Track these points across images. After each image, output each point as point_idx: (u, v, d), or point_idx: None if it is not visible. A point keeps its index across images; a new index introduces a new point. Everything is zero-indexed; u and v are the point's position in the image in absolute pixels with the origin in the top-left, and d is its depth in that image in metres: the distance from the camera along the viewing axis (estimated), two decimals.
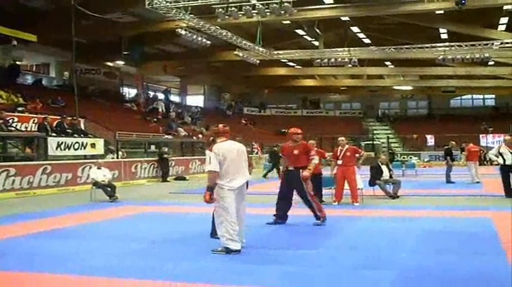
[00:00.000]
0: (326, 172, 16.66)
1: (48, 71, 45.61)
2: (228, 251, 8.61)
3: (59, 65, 45.14)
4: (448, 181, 24.51)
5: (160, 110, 48.55)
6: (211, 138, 9.40)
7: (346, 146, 16.54)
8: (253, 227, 10.52)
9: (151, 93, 55.61)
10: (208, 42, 35.43)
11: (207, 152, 8.88)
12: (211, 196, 8.67)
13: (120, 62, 46.38)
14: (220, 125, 9.30)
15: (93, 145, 26.32)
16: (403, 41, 40.67)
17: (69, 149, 24.71)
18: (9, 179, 20.18)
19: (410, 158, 47.05)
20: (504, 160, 17.06)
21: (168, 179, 29.11)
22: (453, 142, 26.98)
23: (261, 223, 11.80)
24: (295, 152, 11.90)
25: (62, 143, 24.38)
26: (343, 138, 17.13)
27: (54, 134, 25.01)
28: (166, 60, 49.68)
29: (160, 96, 55.53)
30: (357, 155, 16.58)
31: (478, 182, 23.47)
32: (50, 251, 9.15)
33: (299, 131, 12.24)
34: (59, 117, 27.43)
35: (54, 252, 9.04)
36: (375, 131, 62.44)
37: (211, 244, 9.20)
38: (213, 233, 9.68)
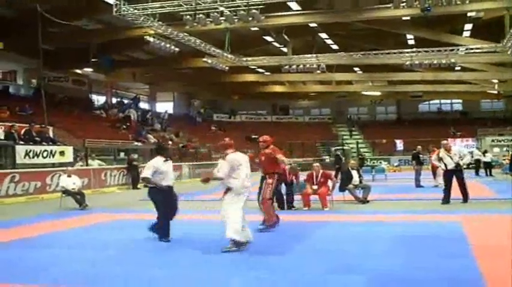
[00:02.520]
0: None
1: (16, 79, 45.14)
2: (237, 244, 9.50)
3: (27, 73, 44.70)
4: (418, 185, 24.76)
5: (132, 117, 48.32)
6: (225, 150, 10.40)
7: (321, 171, 16.80)
8: (218, 233, 10.54)
9: (125, 101, 55.30)
10: (177, 49, 35.38)
11: (221, 161, 10.19)
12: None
13: (89, 69, 46.10)
14: (227, 139, 10.76)
15: (62, 153, 26.09)
16: (371, 47, 41.04)
17: (37, 157, 24.47)
18: None
19: (380, 163, 47.40)
20: (445, 165, 17.20)
21: (138, 186, 28.94)
22: (420, 147, 27.28)
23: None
24: (262, 158, 12.77)
25: (30, 151, 24.15)
26: (317, 164, 17.49)
27: (22, 142, 24.75)
28: (135, 67, 49.50)
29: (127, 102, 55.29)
30: (330, 181, 16.78)
31: (436, 186, 23.75)
32: (22, 261, 9.07)
33: (265, 138, 13.34)
34: (26, 125, 27.13)
35: (26, 262, 8.97)
36: (345, 137, 62.76)
37: (179, 250, 9.22)
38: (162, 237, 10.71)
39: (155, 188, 10.87)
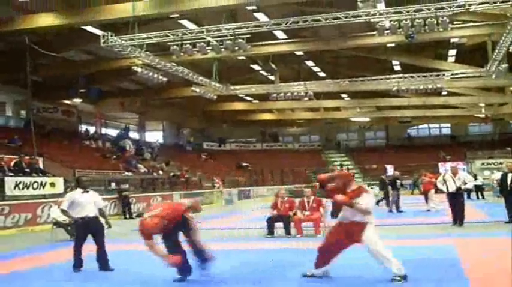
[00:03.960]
0: None
1: (5, 110, 45.07)
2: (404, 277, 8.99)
3: (16, 104, 44.65)
4: (398, 210, 24.86)
5: (128, 148, 48.22)
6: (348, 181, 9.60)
7: (312, 197, 16.82)
8: (218, 263, 10.53)
9: (117, 132, 55.28)
10: (165, 79, 35.54)
11: (365, 194, 9.18)
12: None
13: (78, 100, 46.11)
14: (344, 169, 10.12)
15: (52, 184, 26.01)
16: (357, 74, 41.35)
17: (27, 188, 24.40)
18: None
19: (372, 188, 47.34)
20: (447, 187, 17.40)
21: (132, 216, 28.78)
22: (397, 172, 27.57)
23: (217, 258, 11.82)
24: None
25: (20, 182, 24.08)
26: (308, 189, 17.45)
27: (11, 174, 24.69)
28: (124, 97, 49.60)
29: (113, 132, 55.30)
30: (321, 207, 16.79)
31: (428, 210, 23.97)
32: None
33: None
34: (16, 156, 27.10)
35: None
36: (335, 163, 62.80)
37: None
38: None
39: (76, 220, 11.19)
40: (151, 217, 8.94)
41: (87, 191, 11.34)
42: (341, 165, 58.39)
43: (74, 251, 10.91)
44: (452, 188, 17.31)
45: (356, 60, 42.31)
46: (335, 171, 9.09)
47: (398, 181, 26.18)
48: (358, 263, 9.72)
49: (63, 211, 11.35)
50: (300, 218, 16.37)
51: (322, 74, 46.16)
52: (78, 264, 10.92)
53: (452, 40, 35.93)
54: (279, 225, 16.68)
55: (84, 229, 10.99)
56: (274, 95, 40.81)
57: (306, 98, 41.88)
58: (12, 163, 26.16)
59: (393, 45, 36.27)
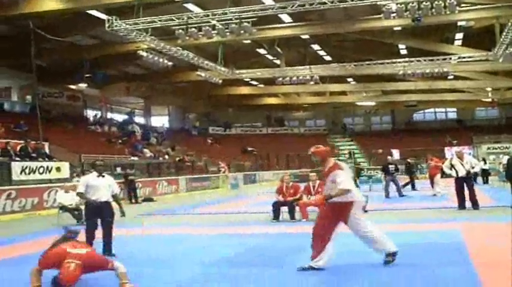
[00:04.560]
0: None
1: (10, 95, 45.09)
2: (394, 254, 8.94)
3: (21, 89, 44.66)
4: (386, 196, 24.73)
5: (136, 133, 48.34)
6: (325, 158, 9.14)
7: (318, 182, 16.71)
8: (218, 247, 10.58)
9: (122, 116, 55.42)
10: (170, 63, 35.47)
11: (339, 171, 8.76)
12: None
13: (83, 85, 46.09)
14: (321, 146, 9.44)
15: (58, 169, 26.05)
16: (363, 57, 41.13)
17: (34, 173, 24.44)
18: None
19: (377, 172, 47.29)
20: (457, 172, 17.34)
21: (138, 200, 28.84)
22: (390, 157, 27.53)
23: (223, 243, 11.84)
24: None
25: (26, 167, 24.13)
26: (314, 174, 17.34)
27: (18, 159, 24.74)
28: (129, 81, 49.49)
29: (118, 117, 55.42)
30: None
31: (434, 195, 23.92)
32: (19, 279, 8.95)
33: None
34: (22, 141, 27.14)
35: (23, 280, 8.85)
36: (341, 147, 62.74)
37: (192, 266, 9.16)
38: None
39: (86, 203, 11.14)
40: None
41: (103, 176, 11.21)
42: (350, 153, 58.27)
43: (86, 238, 10.66)
44: (462, 173, 17.25)
45: (362, 43, 42.09)
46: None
47: (391, 165, 25.96)
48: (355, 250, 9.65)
49: (80, 194, 11.18)
50: (305, 202, 16.32)
51: (328, 58, 46.00)
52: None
53: (459, 23, 35.69)
54: (285, 209, 16.69)
55: (95, 213, 10.92)
56: (280, 79, 40.72)
57: (312, 82, 41.84)
58: (18, 148, 26.21)
59: (400, 28, 36.09)
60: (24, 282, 7.48)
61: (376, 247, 8.96)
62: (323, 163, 9.00)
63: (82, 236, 10.51)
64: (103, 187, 11.03)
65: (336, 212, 8.71)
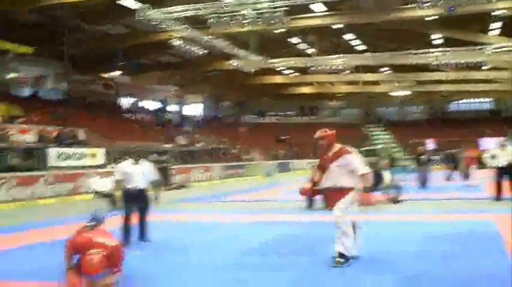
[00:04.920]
0: None
1: (46, 83, 45.58)
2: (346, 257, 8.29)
3: (56, 77, 45.11)
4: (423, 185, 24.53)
5: (168, 120, 48.68)
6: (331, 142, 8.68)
7: None
8: (251, 235, 10.65)
9: (155, 104, 55.84)
10: (203, 51, 35.48)
11: (351, 156, 8.45)
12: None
13: (117, 73, 46.41)
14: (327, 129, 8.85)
15: (93, 155, 26.40)
16: (397, 47, 40.78)
17: (69, 159, 24.78)
18: (11, 190, 20.25)
19: (411, 163, 46.89)
20: (498, 162, 17.15)
21: (170, 187, 29.01)
22: (422, 147, 27.28)
23: (256, 231, 11.90)
24: None
25: (62, 153, 24.49)
26: None
27: (53, 145, 25.07)
28: (163, 70, 49.68)
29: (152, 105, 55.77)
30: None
31: (469, 186, 23.65)
32: (56, 261, 9.06)
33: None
34: (58, 128, 27.51)
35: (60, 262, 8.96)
36: (375, 137, 62.35)
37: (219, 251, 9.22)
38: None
39: (123, 190, 11.01)
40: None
41: (138, 163, 11.12)
42: (388, 144, 57.76)
43: (123, 226, 10.74)
44: (503, 163, 17.03)
45: (396, 33, 41.67)
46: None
47: (423, 156, 25.73)
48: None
49: (117, 182, 11.09)
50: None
51: (361, 47, 45.71)
52: (126, 241, 10.52)
53: (496, 12, 35.16)
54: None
55: (131, 200, 10.85)
56: (313, 68, 40.60)
57: (345, 72, 41.62)
58: (54, 135, 26.57)
59: (434, 18, 35.67)
60: (60, 263, 7.58)
61: (339, 242, 8.36)
62: (329, 148, 8.60)
63: (112, 223, 10.64)
64: (138, 174, 10.93)
65: (332, 198, 8.44)
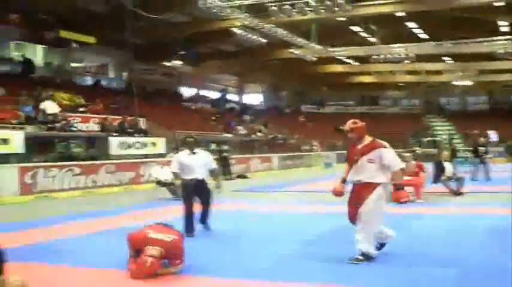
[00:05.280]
0: None
1: (107, 72, 46.24)
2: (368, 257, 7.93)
3: (117, 66, 45.72)
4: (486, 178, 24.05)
5: (231, 110, 48.96)
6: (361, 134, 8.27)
7: (413, 162, 16.42)
8: (312, 225, 10.54)
9: (216, 94, 56.22)
10: (264, 40, 35.42)
11: (383, 150, 8.03)
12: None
13: (178, 62, 46.72)
14: (358, 121, 8.39)
15: (154, 144, 26.67)
16: (461, 35, 39.98)
17: (130, 148, 25.11)
18: (75, 178, 20.59)
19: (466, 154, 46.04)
20: None
21: (232, 177, 29.07)
22: (482, 139, 26.68)
23: (318, 221, 11.79)
24: None
25: (123, 142, 24.82)
26: (408, 154, 17.02)
27: (115, 134, 25.41)
28: (223, 59, 49.84)
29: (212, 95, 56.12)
30: (422, 172, 16.41)
31: None
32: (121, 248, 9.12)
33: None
34: (119, 117, 27.86)
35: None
36: (436, 127, 61.48)
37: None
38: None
39: (183, 180, 10.79)
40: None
41: (195, 153, 10.87)
42: (450, 135, 56.78)
43: (186, 216, 10.62)
44: None
45: (460, 21, 40.79)
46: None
47: (481, 147, 25.19)
48: None
49: (174, 174, 10.99)
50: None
51: (424, 36, 44.93)
52: (190, 229, 10.48)
53: None
54: None
55: (191, 192, 10.66)
56: (375, 57, 40.19)
57: (407, 61, 41.03)
58: (115, 123, 26.93)
59: (501, 4, 34.75)
60: (120, 251, 7.64)
61: (364, 241, 7.95)
62: (359, 141, 8.15)
63: (174, 212, 10.68)
64: (196, 165, 10.71)
65: (360, 194, 7.94)
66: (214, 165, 11.32)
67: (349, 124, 8.20)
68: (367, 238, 7.89)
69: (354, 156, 8.14)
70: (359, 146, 8.12)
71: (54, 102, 25.49)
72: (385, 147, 8.08)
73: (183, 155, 10.88)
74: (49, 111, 24.30)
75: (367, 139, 8.19)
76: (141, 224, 8.16)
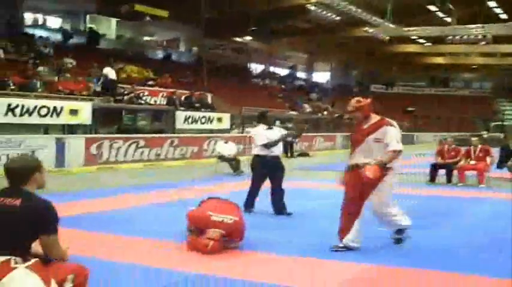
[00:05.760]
0: None
1: (178, 46, 46.67)
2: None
3: (188, 41, 46.10)
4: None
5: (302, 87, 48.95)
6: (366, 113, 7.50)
7: (479, 146, 16.08)
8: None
9: (285, 70, 56.25)
10: (338, 18, 35.16)
11: (388, 128, 7.29)
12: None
13: (248, 38, 46.76)
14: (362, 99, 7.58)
15: (219, 120, 26.80)
16: None
17: (196, 123, 25.31)
18: (139, 150, 20.88)
19: None
20: None
21: (294, 155, 28.97)
22: None
23: None
24: None
25: (189, 117, 25.02)
26: (476, 138, 16.62)
27: (182, 108, 25.66)
28: (294, 36, 49.60)
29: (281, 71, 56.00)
30: (488, 157, 16.05)
31: None
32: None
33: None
34: (187, 91, 28.11)
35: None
36: (506, 112, 60.04)
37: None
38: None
39: (258, 156, 10.36)
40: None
41: (271, 128, 10.45)
42: None
43: (250, 191, 10.41)
44: None
45: None
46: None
47: None
48: None
49: (265, 145, 10.12)
50: (464, 166, 15.80)
51: (503, 16, 43.47)
52: (250, 204, 10.27)
53: None
54: (442, 173, 16.25)
55: (266, 167, 10.28)
56: (450, 37, 39.37)
57: (483, 42, 40.05)
58: (183, 98, 27.18)
59: None
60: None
61: (391, 226, 7.72)
62: (365, 120, 7.40)
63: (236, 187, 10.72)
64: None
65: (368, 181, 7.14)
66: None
67: (353, 103, 7.49)
68: (397, 213, 7.63)
69: (359, 136, 7.45)
70: (365, 126, 7.42)
71: (113, 70, 25.73)
72: (391, 125, 7.38)
73: (260, 130, 10.43)
74: (110, 76, 24.79)
75: (375, 117, 7.50)
76: (201, 198, 8.21)
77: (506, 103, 63.01)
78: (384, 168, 7.07)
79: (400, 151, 7.25)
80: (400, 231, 7.71)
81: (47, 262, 4.01)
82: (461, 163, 15.99)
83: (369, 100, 7.52)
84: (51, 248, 4.03)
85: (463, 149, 16.74)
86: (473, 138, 16.93)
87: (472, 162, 15.90)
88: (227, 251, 7.02)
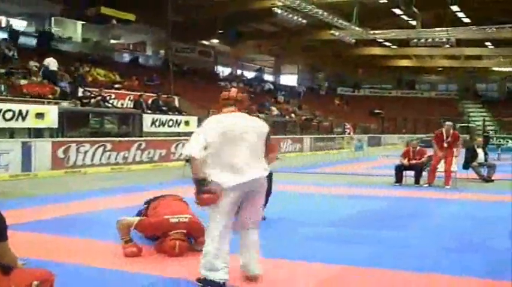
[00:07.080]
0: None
1: (145, 50, 46.53)
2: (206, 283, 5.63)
3: (155, 44, 45.98)
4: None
5: (267, 90, 49.02)
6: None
7: (451, 131, 16.24)
8: (337, 207, 10.56)
9: (252, 73, 56.30)
10: (304, 21, 35.32)
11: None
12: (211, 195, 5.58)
13: (215, 41, 46.79)
14: (233, 90, 6.25)
15: (186, 123, 26.75)
16: (505, 20, 39.15)
17: (163, 126, 25.24)
18: (106, 154, 20.77)
19: (507, 141, 45.59)
20: None
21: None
22: None
23: (343, 203, 11.79)
24: None
25: (156, 120, 24.94)
26: (450, 123, 16.73)
27: (149, 111, 25.58)
28: (261, 39, 49.82)
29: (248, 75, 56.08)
30: (457, 142, 16.22)
31: None
32: None
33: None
34: (154, 94, 28.03)
35: None
36: (471, 114, 60.85)
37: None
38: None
39: None
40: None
41: None
42: (484, 122, 55.97)
43: None
44: None
45: (506, 5, 39.78)
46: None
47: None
48: None
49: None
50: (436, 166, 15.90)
51: (466, 20, 44.06)
52: None
53: None
54: (408, 174, 16.43)
55: None
56: (415, 40, 39.80)
57: (447, 45, 40.52)
58: (150, 101, 27.10)
59: None
60: None
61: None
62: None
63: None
64: None
65: None
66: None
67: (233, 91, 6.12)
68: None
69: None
70: None
71: (55, 60, 25.64)
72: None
73: None
74: (51, 67, 24.88)
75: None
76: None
77: (471, 105, 63.92)
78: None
79: (191, 156, 5.68)
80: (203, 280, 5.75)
81: (7, 270, 3.96)
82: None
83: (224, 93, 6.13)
84: (3, 255, 4.01)
85: (428, 151, 16.95)
86: (447, 123, 16.70)
87: (445, 144, 15.73)
88: (194, 254, 7.05)
